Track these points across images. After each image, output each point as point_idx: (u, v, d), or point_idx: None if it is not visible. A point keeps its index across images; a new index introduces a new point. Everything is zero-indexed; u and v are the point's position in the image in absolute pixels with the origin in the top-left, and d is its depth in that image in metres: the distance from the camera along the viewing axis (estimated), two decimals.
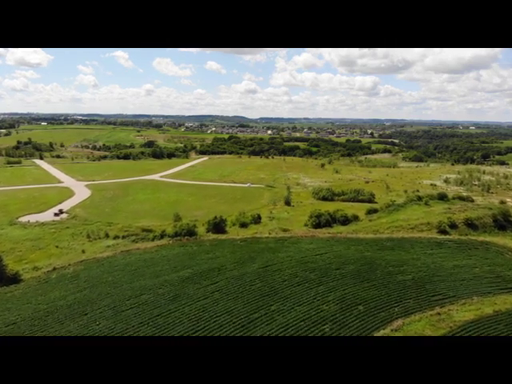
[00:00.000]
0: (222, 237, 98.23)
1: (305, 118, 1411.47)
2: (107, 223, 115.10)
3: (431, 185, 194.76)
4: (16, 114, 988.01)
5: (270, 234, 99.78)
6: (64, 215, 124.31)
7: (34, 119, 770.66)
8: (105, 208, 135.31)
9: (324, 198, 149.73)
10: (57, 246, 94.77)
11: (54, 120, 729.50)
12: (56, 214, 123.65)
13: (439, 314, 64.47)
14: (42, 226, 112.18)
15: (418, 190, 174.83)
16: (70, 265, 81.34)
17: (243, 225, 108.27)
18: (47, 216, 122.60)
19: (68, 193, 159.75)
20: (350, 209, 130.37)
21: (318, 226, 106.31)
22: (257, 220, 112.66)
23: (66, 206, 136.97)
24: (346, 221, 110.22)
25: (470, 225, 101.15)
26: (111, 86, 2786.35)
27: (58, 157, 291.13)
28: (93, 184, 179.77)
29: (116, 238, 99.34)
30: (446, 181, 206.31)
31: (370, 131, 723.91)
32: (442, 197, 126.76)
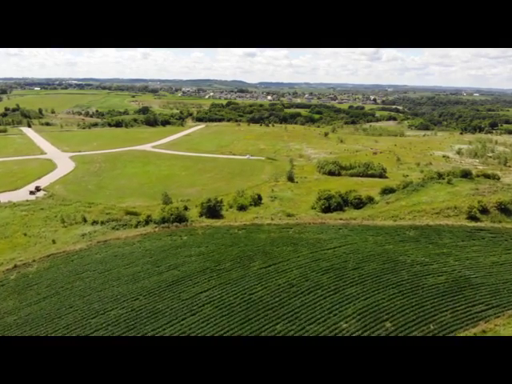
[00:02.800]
0: (217, 223, 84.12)
1: (305, 83, 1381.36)
2: (87, 204, 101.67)
3: (444, 156, 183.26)
4: (11, 78, 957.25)
5: (272, 219, 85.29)
6: (40, 193, 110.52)
7: (28, 84, 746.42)
8: (88, 184, 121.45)
9: (330, 173, 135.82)
10: (25, 234, 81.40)
11: (48, 85, 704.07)
12: (31, 193, 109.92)
13: (484, 331, 51.88)
14: (14, 207, 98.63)
15: (430, 163, 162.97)
16: (34, 261, 67.96)
17: (242, 207, 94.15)
18: (22, 194, 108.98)
19: (50, 166, 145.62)
20: (361, 186, 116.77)
21: (327, 209, 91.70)
22: (257, 201, 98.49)
23: (44, 181, 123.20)
24: (359, 203, 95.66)
25: (504, 210, 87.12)
26: (106, 49, 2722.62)
27: (48, 124, 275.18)
28: (78, 155, 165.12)
29: (94, 223, 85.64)
30: (459, 152, 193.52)
31: (372, 97, 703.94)
32: (466, 174, 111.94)
